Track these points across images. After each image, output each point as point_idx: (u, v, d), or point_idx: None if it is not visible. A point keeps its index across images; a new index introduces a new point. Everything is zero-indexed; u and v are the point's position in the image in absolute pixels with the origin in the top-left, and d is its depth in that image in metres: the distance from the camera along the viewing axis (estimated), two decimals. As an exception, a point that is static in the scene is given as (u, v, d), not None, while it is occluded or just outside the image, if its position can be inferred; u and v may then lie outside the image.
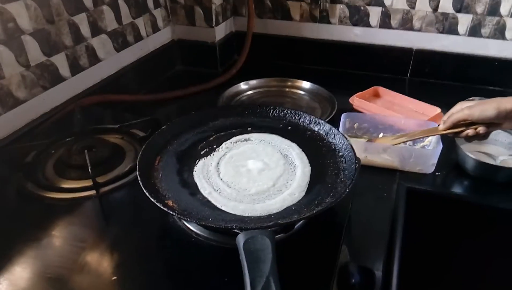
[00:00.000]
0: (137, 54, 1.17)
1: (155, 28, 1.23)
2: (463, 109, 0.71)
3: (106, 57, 1.04)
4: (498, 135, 0.86)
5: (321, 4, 1.21)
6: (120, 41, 1.09)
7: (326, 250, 0.55)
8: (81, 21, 0.94)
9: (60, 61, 0.91)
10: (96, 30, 0.99)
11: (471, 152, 0.82)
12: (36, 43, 0.84)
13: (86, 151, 0.68)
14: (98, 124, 0.88)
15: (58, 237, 0.61)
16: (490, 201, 0.78)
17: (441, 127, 0.75)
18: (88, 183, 0.67)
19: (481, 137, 0.72)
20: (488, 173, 0.80)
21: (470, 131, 0.71)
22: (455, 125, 0.73)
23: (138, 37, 1.16)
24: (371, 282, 0.55)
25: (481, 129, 0.70)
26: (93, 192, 0.65)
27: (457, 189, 0.81)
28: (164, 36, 1.28)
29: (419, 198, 0.79)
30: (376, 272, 0.57)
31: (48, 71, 0.88)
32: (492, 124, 0.69)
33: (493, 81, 1.17)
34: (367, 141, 0.85)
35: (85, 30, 0.96)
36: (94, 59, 1.01)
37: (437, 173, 0.83)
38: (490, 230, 0.81)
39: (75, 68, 0.95)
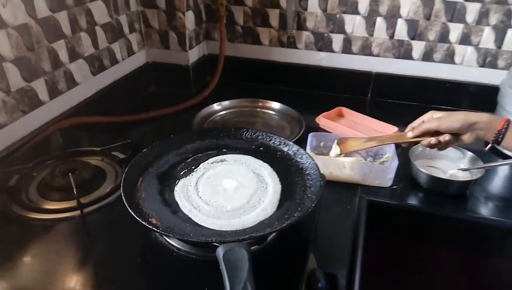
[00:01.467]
0: (112, 77, 1.21)
1: (130, 52, 1.28)
2: (433, 120, 0.77)
3: (83, 81, 1.08)
4: (448, 151, 0.95)
5: (288, 31, 1.30)
6: (97, 65, 1.13)
7: (295, 259, 0.61)
8: (60, 47, 0.98)
9: (40, 86, 0.94)
10: (74, 55, 1.03)
11: (424, 167, 0.91)
12: (16, 69, 0.87)
13: (70, 173, 0.71)
14: (75, 146, 0.91)
15: (44, 255, 0.64)
16: (441, 211, 0.87)
17: (410, 135, 0.80)
18: (71, 204, 0.70)
19: (442, 147, 0.79)
20: (439, 186, 0.89)
21: (433, 140, 0.77)
22: (422, 134, 0.79)
23: (114, 61, 1.20)
24: (336, 287, 0.62)
25: (446, 137, 0.76)
26: (77, 212, 0.69)
27: (412, 201, 0.89)
28: (138, 59, 1.33)
29: (378, 209, 0.87)
30: (340, 277, 0.64)
31: (28, 96, 0.91)
32: (456, 134, 0.76)
33: (445, 101, 1.28)
34: (339, 140, 0.88)
35: (63, 56, 1.00)
36: (71, 83, 1.04)
37: (394, 187, 0.91)
38: (442, 237, 0.90)
39: (54, 92, 0.99)
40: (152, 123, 1.17)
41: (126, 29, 1.23)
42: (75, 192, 0.67)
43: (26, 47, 0.88)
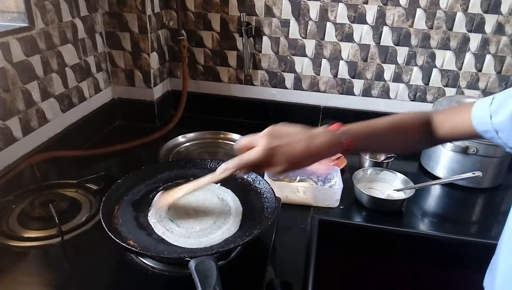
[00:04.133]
0: (81, 113, 1.27)
1: (97, 89, 1.35)
2: (264, 151, 0.65)
3: (53, 118, 1.14)
4: (384, 174, 1.11)
5: (245, 70, 1.44)
6: (66, 103, 1.20)
7: (256, 270, 0.71)
8: (33, 88, 1.05)
9: (14, 124, 0.99)
10: (45, 94, 1.10)
11: (365, 189, 1.05)
12: (-7, 109, 0.93)
13: (50, 204, 0.78)
14: (46, 179, 0.97)
15: (26, 280, 0.70)
16: (381, 226, 1.00)
17: (222, 175, 0.70)
18: (52, 232, 0.77)
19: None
20: (378, 205, 1.04)
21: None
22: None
23: (82, 98, 1.27)
24: (291, 293, 0.73)
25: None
26: (57, 239, 0.75)
27: (357, 218, 1.02)
28: (105, 96, 1.40)
29: (328, 227, 0.99)
30: (295, 285, 0.75)
31: (3, 133, 0.96)
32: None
33: (383, 130, 1.45)
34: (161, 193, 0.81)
35: (36, 95, 1.06)
36: (43, 120, 1.10)
37: (341, 207, 1.04)
38: (383, 247, 1.03)
39: (27, 129, 1.04)
40: (119, 155, 1.23)
41: (93, 69, 1.31)
42: (56, 220, 0.73)
43: (2, 89, 0.95)
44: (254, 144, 0.66)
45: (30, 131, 1.06)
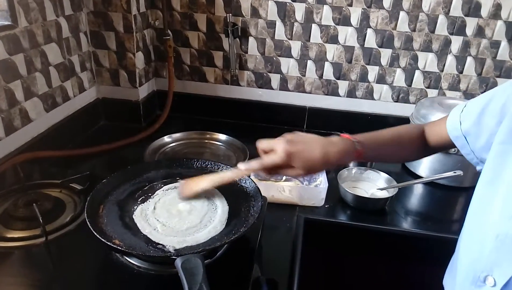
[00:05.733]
0: (65, 113, 1.25)
1: (82, 89, 1.34)
2: (284, 154, 0.68)
3: (37, 118, 1.13)
4: (368, 173, 1.13)
5: (232, 70, 1.44)
6: (50, 102, 1.18)
7: (242, 268, 0.72)
8: (16, 87, 1.03)
9: (-4, 124, 0.99)
10: (29, 94, 1.08)
11: (349, 188, 1.07)
12: (-25, 108, 0.92)
13: (34, 204, 0.77)
14: (30, 179, 0.96)
15: (10, 280, 0.69)
16: (364, 224, 1.03)
17: (243, 167, 0.76)
18: (36, 232, 0.76)
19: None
20: (362, 203, 1.05)
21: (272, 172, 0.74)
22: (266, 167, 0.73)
23: (66, 98, 1.26)
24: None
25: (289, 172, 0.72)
26: (41, 239, 0.74)
27: (341, 217, 1.04)
28: (89, 96, 1.39)
29: (314, 225, 1.00)
30: (281, 283, 0.76)
31: (-15, 133, 0.95)
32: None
33: (367, 131, 1.46)
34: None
35: (19, 94, 1.05)
36: (26, 120, 1.09)
37: (326, 205, 1.06)
38: (367, 245, 1.05)
39: (9, 129, 1.03)
40: (104, 155, 1.22)
41: (78, 68, 1.30)
42: (41, 220, 0.72)
43: (-15, 88, 0.94)
44: (273, 148, 0.70)
45: (13, 131, 1.04)
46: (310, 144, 0.71)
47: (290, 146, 0.69)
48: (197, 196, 0.80)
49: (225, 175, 0.79)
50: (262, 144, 0.73)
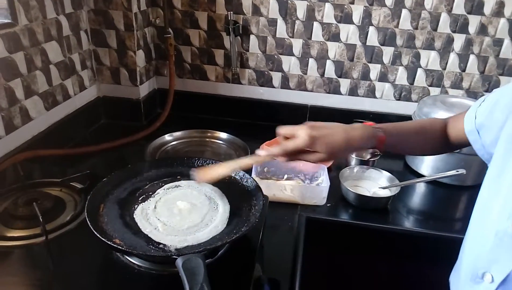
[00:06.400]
0: (65, 111, 1.25)
1: (82, 87, 1.33)
2: (307, 138, 0.68)
3: (37, 116, 1.12)
4: (370, 172, 1.12)
5: (233, 68, 1.44)
6: (50, 101, 1.18)
7: (244, 268, 0.71)
8: (16, 85, 1.03)
9: (-4, 122, 0.98)
10: (29, 92, 1.08)
11: (351, 187, 1.06)
12: (-26, 107, 0.91)
13: (34, 203, 0.77)
14: (30, 178, 0.95)
15: (11, 281, 0.68)
16: (366, 223, 1.02)
17: (263, 153, 0.75)
18: (36, 231, 0.75)
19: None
20: (364, 202, 1.05)
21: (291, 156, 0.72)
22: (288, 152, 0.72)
23: (66, 96, 1.25)
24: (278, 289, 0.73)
25: (311, 157, 0.71)
26: (41, 239, 0.74)
27: (343, 216, 1.03)
28: (90, 94, 1.38)
29: (315, 224, 1.00)
30: (282, 282, 0.75)
31: (-15, 131, 0.95)
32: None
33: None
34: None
35: (19, 93, 1.04)
36: (26, 118, 1.08)
37: (328, 204, 1.05)
38: (369, 244, 1.04)
39: (9, 128, 1.02)
40: (105, 154, 1.22)
41: (78, 66, 1.29)
42: (41, 219, 0.72)
43: (-15, 86, 0.93)
44: (294, 133, 0.70)
45: (13, 129, 1.04)
46: (333, 128, 0.71)
47: (313, 131, 0.69)
48: (198, 195, 0.79)
49: (243, 161, 0.78)
50: (283, 129, 0.73)
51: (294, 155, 0.72)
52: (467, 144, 0.76)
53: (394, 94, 1.44)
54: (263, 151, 0.74)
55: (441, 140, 0.81)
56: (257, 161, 0.78)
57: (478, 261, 0.63)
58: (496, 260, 0.60)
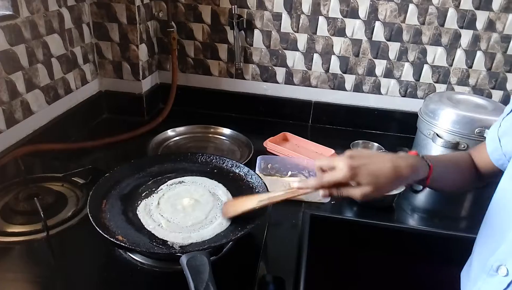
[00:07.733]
0: (66, 106, 1.24)
1: (84, 81, 1.32)
2: (347, 169, 0.61)
3: (38, 110, 1.11)
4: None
5: (236, 63, 1.42)
6: (52, 95, 1.17)
7: (248, 266, 0.70)
8: (18, 78, 1.01)
9: (-3, 116, 0.97)
10: (30, 86, 1.06)
11: (356, 184, 1.04)
12: (-25, 100, 0.90)
13: (35, 198, 0.76)
14: (31, 172, 0.94)
15: (11, 277, 0.67)
16: (371, 221, 1.01)
17: (299, 185, 0.69)
18: (37, 227, 0.74)
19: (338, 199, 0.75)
20: (369, 200, 1.03)
21: (334, 191, 0.65)
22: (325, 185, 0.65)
23: (68, 90, 1.24)
24: (283, 289, 0.72)
25: (351, 192, 0.64)
26: (42, 234, 0.73)
27: (348, 213, 1.02)
28: (92, 88, 1.37)
29: (320, 222, 0.98)
30: (287, 281, 0.74)
31: (-14, 125, 0.94)
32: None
33: (374, 126, 1.46)
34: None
35: (20, 86, 1.03)
36: (27, 112, 1.07)
37: (332, 202, 1.04)
38: (374, 242, 1.03)
39: (10, 121, 1.01)
40: (107, 149, 1.21)
41: (80, 60, 1.28)
42: (42, 215, 0.71)
43: (-15, 79, 0.92)
44: (333, 165, 0.63)
45: (14, 123, 1.03)
46: (376, 157, 0.64)
47: (353, 161, 0.61)
48: (202, 192, 0.78)
49: (275, 195, 0.71)
50: (321, 161, 0.66)
51: (334, 188, 0.64)
52: (494, 169, 0.73)
53: (399, 90, 1.42)
54: (299, 184, 0.67)
55: (473, 172, 0.76)
56: (292, 195, 0.70)
57: (493, 254, 0.63)
58: None
